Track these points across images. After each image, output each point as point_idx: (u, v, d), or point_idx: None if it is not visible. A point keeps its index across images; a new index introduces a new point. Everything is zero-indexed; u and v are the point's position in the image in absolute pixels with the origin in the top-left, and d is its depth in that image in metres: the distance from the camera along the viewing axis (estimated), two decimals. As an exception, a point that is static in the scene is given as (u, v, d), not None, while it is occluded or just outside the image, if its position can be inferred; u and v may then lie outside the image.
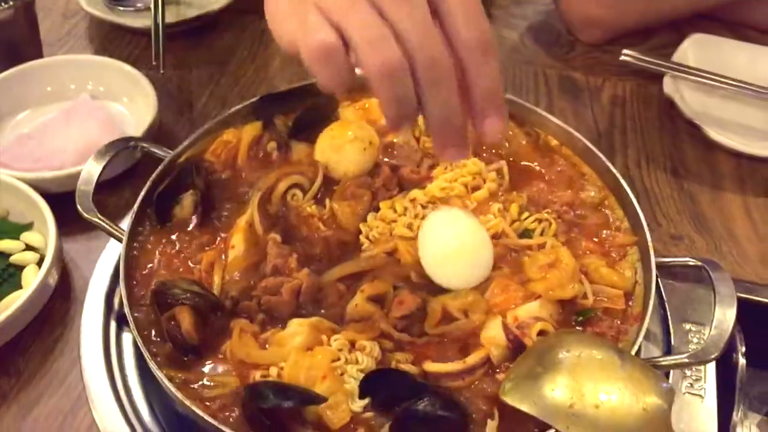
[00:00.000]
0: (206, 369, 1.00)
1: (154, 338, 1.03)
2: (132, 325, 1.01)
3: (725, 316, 1.01)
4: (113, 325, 1.18)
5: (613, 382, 0.92)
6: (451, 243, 1.06)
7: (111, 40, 1.75)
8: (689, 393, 1.13)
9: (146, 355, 0.98)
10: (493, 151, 1.28)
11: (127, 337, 1.17)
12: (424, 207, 1.17)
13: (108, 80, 1.54)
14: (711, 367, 1.15)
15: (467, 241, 1.06)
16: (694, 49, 1.65)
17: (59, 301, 1.23)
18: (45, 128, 1.45)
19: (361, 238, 1.14)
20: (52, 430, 1.09)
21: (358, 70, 1.55)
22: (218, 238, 1.15)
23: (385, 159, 1.24)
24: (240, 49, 1.75)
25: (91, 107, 1.48)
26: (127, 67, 1.52)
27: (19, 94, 1.52)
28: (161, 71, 1.56)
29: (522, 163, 1.27)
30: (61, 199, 1.26)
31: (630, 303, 1.08)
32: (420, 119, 1.27)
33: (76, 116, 1.45)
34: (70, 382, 1.14)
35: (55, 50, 1.70)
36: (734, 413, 1.14)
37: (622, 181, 1.18)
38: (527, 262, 1.09)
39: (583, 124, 1.57)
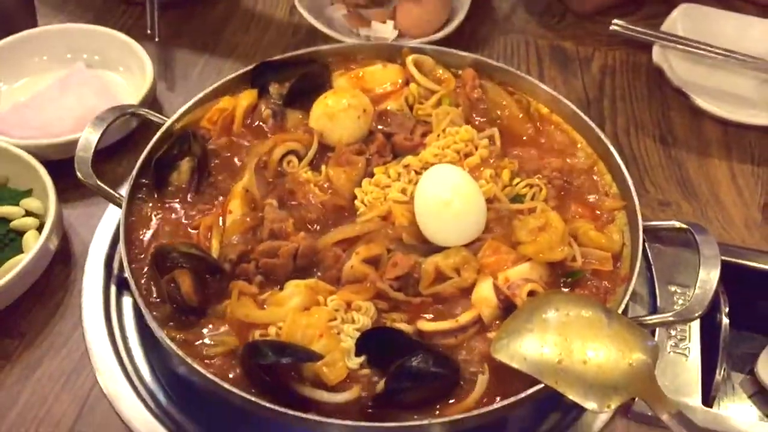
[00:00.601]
0: (206, 329, 1.03)
1: (153, 300, 1.06)
2: (133, 287, 1.03)
3: (709, 276, 1.04)
4: (113, 288, 1.21)
5: (600, 339, 0.96)
6: (445, 194, 1.08)
7: (106, 9, 1.75)
8: (674, 352, 1.16)
9: (147, 315, 1.01)
10: (485, 118, 1.31)
11: (127, 301, 1.20)
12: (417, 173, 1.19)
13: (103, 49, 1.55)
14: (695, 327, 1.19)
15: (462, 194, 1.09)
16: (682, 19, 1.67)
17: (60, 266, 1.25)
18: (41, 97, 1.46)
19: (357, 203, 1.17)
20: (55, 390, 1.12)
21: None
22: (215, 204, 1.17)
23: (379, 126, 1.26)
24: (234, 19, 1.76)
25: (87, 76, 1.49)
26: (123, 36, 1.52)
27: (14, 64, 1.53)
28: (156, 39, 1.57)
29: (513, 130, 1.30)
30: (59, 166, 1.28)
31: (618, 265, 1.11)
32: (413, 87, 1.31)
33: (72, 85, 1.46)
34: (72, 344, 1.17)
35: (50, 20, 1.70)
36: (717, 371, 1.17)
37: (611, 148, 1.21)
38: (518, 225, 1.11)
39: (573, 92, 1.60)
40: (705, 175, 1.45)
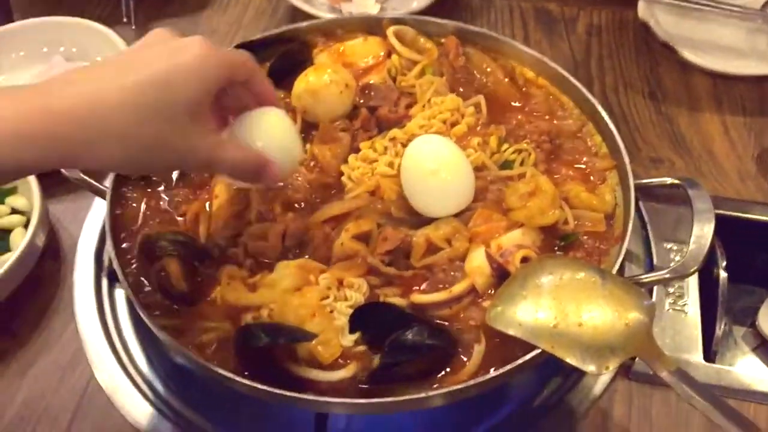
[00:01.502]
0: (198, 315, 1.02)
1: (144, 290, 1.04)
2: (121, 278, 1.02)
3: (703, 230, 1.02)
4: (105, 281, 1.21)
5: (595, 300, 0.94)
6: (431, 165, 1.06)
7: (80, 0, 1.72)
8: (673, 309, 1.15)
9: (137, 306, 0.99)
10: (471, 86, 1.29)
11: (120, 292, 1.19)
12: (404, 145, 1.17)
13: (80, 41, 1.52)
14: (693, 283, 1.18)
15: (447, 163, 1.07)
16: (667, -28, 1.64)
17: (49, 262, 1.24)
18: (21, 93, 1.43)
19: (344, 179, 1.15)
20: (52, 385, 1.11)
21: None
22: (201, 189, 1.15)
23: (362, 101, 1.24)
24: (212, 2, 1.73)
25: (66, 69, 1.47)
26: (99, 26, 1.50)
27: (-9, 62, 1.51)
28: (133, 27, 1.55)
29: (500, 96, 1.28)
30: (43, 162, 1.26)
31: (611, 225, 1.10)
32: (395, 58, 1.29)
33: (51, 79, 1.44)
34: (67, 338, 1.16)
35: (25, 14, 1.67)
36: (717, 326, 1.16)
37: (599, 107, 1.19)
38: (508, 191, 1.09)
39: (559, 54, 1.57)
40: (697, 130, 1.43)
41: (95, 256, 1.22)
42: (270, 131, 0.99)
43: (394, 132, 1.19)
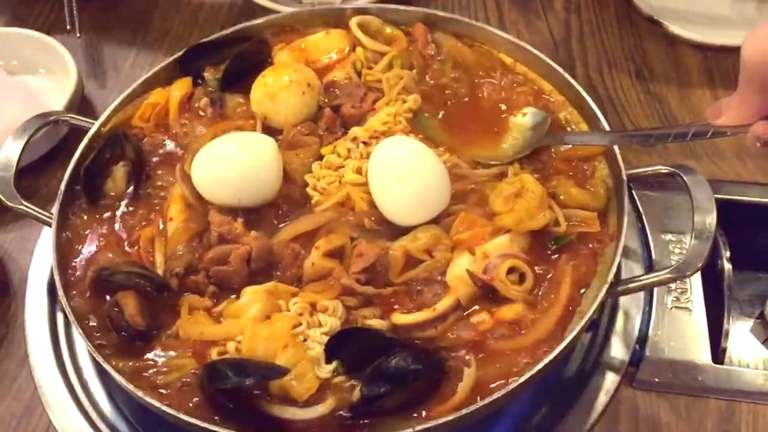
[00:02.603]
0: (158, 354, 0.92)
1: (99, 328, 0.95)
2: (71, 317, 0.93)
3: (705, 223, 0.93)
4: (60, 316, 1.11)
5: None
6: (397, 168, 0.98)
7: (22, 9, 1.60)
8: (676, 307, 1.07)
9: (90, 347, 0.90)
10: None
11: (77, 329, 1.09)
12: (366, 144, 1.07)
13: (21, 52, 1.41)
14: (696, 278, 1.09)
15: (415, 165, 0.98)
16: (646, -60, 1.54)
17: (-2, 299, 1.14)
18: (-41, 114, 1.33)
19: (309, 190, 1.05)
20: (7, 438, 1.02)
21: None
22: (155, 212, 1.05)
23: (326, 100, 1.14)
24: (162, 1, 1.61)
25: (8, 84, 1.36)
26: (39, 35, 1.39)
27: (-74, 80, 1.39)
28: (78, 36, 1.44)
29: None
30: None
31: (605, 219, 1.01)
32: (360, 51, 1.19)
33: (-9, 96, 1.33)
34: (20, 383, 1.07)
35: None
36: (725, 321, 1.08)
37: (581, 91, 1.10)
38: (492, 194, 1.00)
39: (537, 35, 1.48)
40: (688, 108, 1.34)
41: (48, 290, 1.12)
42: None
43: (354, 131, 1.09)
